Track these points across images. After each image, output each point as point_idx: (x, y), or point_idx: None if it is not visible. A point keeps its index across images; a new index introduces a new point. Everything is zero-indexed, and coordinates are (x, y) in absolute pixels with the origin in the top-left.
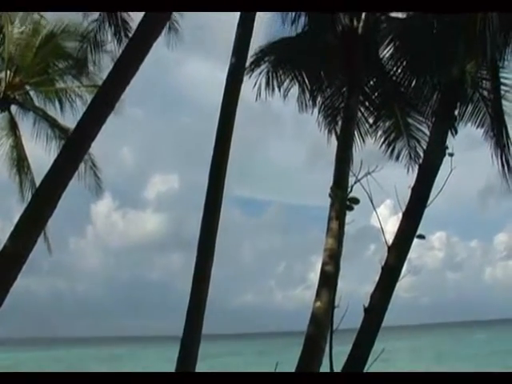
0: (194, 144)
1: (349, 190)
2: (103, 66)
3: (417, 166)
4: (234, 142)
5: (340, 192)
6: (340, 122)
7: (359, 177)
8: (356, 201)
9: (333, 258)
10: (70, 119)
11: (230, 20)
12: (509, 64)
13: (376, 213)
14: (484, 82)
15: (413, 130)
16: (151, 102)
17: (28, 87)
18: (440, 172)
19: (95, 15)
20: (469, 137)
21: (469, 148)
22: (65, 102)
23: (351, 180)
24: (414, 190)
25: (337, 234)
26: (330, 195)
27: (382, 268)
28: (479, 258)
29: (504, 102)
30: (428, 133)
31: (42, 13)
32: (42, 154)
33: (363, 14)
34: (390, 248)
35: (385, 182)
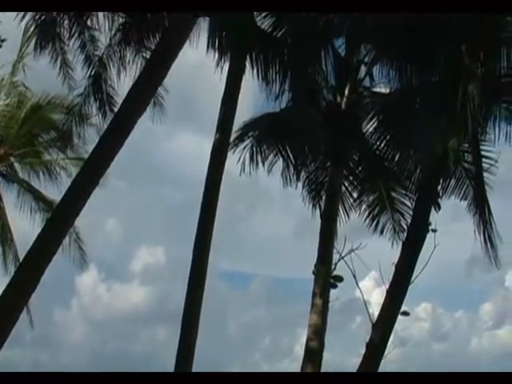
0: (179, 216)
1: (333, 267)
2: (88, 138)
3: (401, 241)
4: (220, 215)
5: (324, 269)
6: (324, 197)
7: (343, 253)
8: (340, 279)
9: (317, 334)
10: (54, 192)
11: (218, 92)
12: (490, 137)
13: (360, 290)
14: (466, 154)
15: (397, 203)
16: (137, 175)
17: (12, 159)
18: (426, 244)
19: (80, 89)
20: (456, 206)
21: (455, 218)
22: (49, 175)
23: (336, 256)
24: (397, 267)
25: (321, 309)
26: (313, 272)
27: (367, 345)
28: (465, 329)
29: (487, 175)
30: (412, 206)
31: (27, 85)
32: (25, 226)
33: (346, 90)
34: (374, 325)
35: (370, 254)
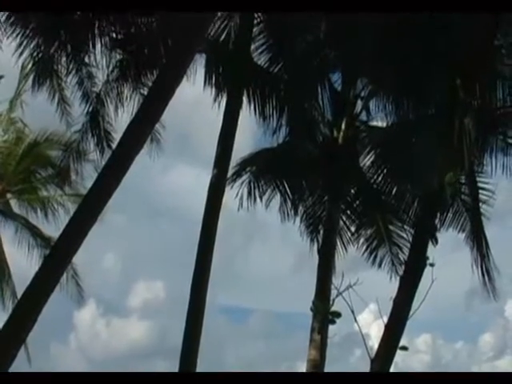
0: (178, 251)
1: (331, 303)
2: (86, 175)
3: (400, 272)
4: (219, 249)
5: (322, 305)
6: (322, 231)
7: (342, 287)
8: (338, 315)
9: (316, 369)
10: (52, 228)
11: (216, 127)
12: (487, 168)
13: (358, 326)
14: (463, 186)
15: (395, 237)
16: (135, 209)
17: (10, 195)
18: (425, 276)
19: (78, 126)
20: (456, 236)
21: (455, 248)
22: (47, 211)
23: (334, 292)
24: (395, 302)
25: (319, 345)
26: (311, 309)
27: None
28: (465, 360)
29: (485, 207)
30: (410, 239)
31: (25, 121)
32: (23, 262)
33: (343, 124)
34: (372, 361)
35: (369, 286)
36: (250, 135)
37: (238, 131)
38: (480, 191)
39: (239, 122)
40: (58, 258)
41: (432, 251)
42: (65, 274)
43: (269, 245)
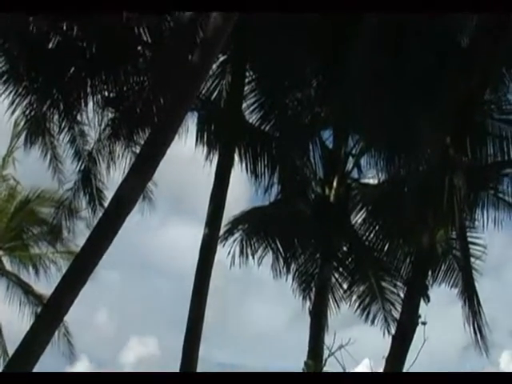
0: (172, 306)
1: (323, 363)
2: (78, 232)
3: (393, 329)
4: (212, 305)
5: (314, 365)
6: (314, 289)
7: (334, 345)
8: None
9: None
10: (44, 285)
11: (208, 184)
12: (478, 223)
13: None
14: (455, 242)
15: (387, 293)
16: (128, 265)
17: (2, 252)
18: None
19: (70, 183)
20: (450, 291)
21: (449, 302)
22: (39, 268)
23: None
24: (388, 360)
25: None
26: (303, 369)
27: None
28: None
29: (478, 262)
30: (403, 295)
31: (17, 178)
32: (15, 319)
33: (334, 182)
34: None
35: (362, 342)
36: (242, 193)
37: (230, 189)
38: (472, 246)
39: (231, 180)
40: (49, 315)
41: (426, 305)
42: (56, 332)
43: (262, 300)
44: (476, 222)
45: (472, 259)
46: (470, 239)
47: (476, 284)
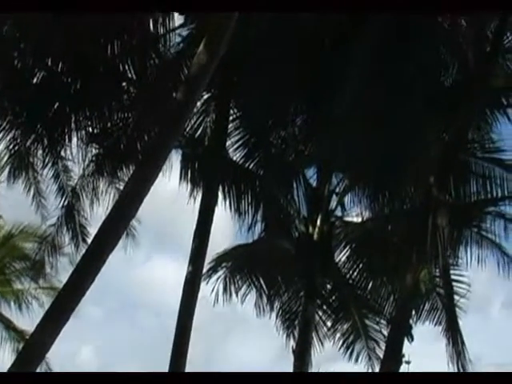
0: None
1: None
2: (61, 268)
3: (377, 367)
4: (196, 341)
5: None
6: (298, 327)
7: None
8: None
9: None
10: (26, 321)
11: (192, 220)
12: (462, 261)
13: None
14: (438, 279)
15: (371, 331)
16: (111, 301)
17: None
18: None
19: (53, 219)
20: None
21: (434, 339)
22: (21, 304)
23: None
24: None
25: None
26: None
27: None
28: None
29: (461, 299)
30: (386, 334)
31: (0, 213)
32: None
33: (318, 220)
34: None
35: None
36: (226, 230)
37: (213, 226)
38: (455, 284)
39: (215, 218)
40: (31, 352)
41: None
42: (38, 369)
43: (247, 337)
44: (460, 260)
45: (456, 297)
46: (453, 277)
47: (460, 322)
